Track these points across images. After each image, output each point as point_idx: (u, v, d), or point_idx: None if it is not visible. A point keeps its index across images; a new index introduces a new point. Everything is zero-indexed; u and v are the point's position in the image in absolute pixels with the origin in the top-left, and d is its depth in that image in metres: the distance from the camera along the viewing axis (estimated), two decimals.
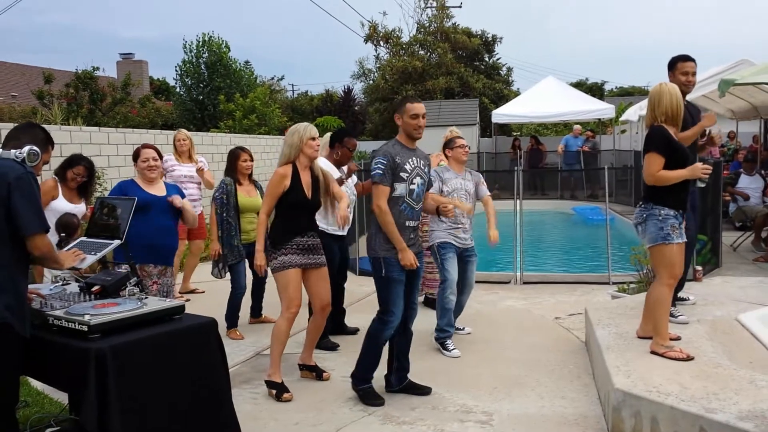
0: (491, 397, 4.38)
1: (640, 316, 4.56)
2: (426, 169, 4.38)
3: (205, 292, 7.46)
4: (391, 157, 4.18)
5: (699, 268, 6.72)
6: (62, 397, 3.99)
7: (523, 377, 4.70)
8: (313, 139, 4.53)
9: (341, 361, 5.13)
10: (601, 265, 8.70)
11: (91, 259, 3.50)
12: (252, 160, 6.08)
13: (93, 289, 3.35)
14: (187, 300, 6.64)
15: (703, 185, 4.34)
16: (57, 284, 3.64)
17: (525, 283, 7.80)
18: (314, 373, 4.82)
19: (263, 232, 4.51)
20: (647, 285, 6.05)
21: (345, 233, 5.68)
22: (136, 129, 11.76)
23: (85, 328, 2.88)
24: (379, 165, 4.16)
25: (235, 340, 5.73)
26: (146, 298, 3.32)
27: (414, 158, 4.29)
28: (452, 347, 5.30)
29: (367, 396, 4.34)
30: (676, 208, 4.16)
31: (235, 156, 5.98)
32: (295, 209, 4.51)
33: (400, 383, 4.48)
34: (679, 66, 5.00)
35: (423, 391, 4.46)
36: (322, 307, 4.67)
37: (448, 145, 5.62)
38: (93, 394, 2.76)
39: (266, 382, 4.55)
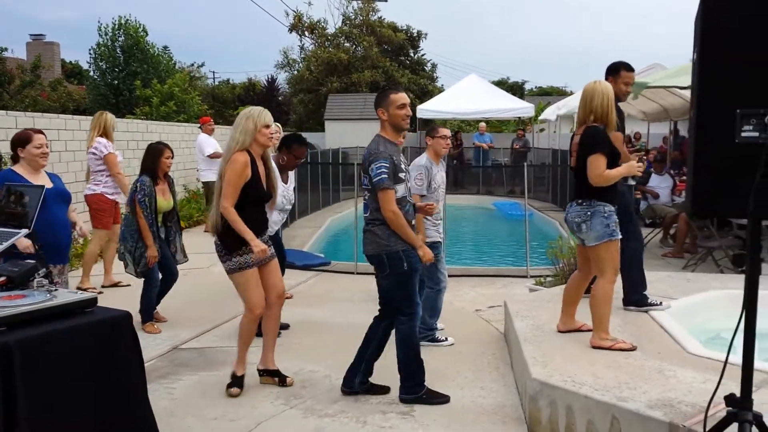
0: None
1: (556, 309, 4.70)
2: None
3: (131, 285, 7.16)
4: (391, 159, 3.96)
5: None
6: None
7: (444, 369, 4.75)
8: (267, 126, 4.22)
9: None
10: (519, 259, 8.92)
11: None
12: (173, 157, 5.80)
13: None
14: (100, 293, 6.40)
15: (634, 183, 4.44)
16: None
17: (447, 275, 7.88)
18: (277, 378, 4.49)
19: (242, 221, 4.06)
20: (563, 279, 6.25)
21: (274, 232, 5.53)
22: (46, 113, 11.20)
23: None
24: (382, 169, 3.91)
25: (151, 334, 5.55)
26: (56, 290, 3.16)
27: (401, 155, 4.14)
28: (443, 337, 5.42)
29: (432, 396, 4.17)
30: (614, 204, 4.22)
31: (157, 152, 5.62)
32: (257, 205, 4.24)
33: (362, 385, 4.29)
34: (623, 75, 4.94)
35: (383, 390, 4.31)
36: (279, 295, 4.43)
37: (429, 132, 5.26)
38: None
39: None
